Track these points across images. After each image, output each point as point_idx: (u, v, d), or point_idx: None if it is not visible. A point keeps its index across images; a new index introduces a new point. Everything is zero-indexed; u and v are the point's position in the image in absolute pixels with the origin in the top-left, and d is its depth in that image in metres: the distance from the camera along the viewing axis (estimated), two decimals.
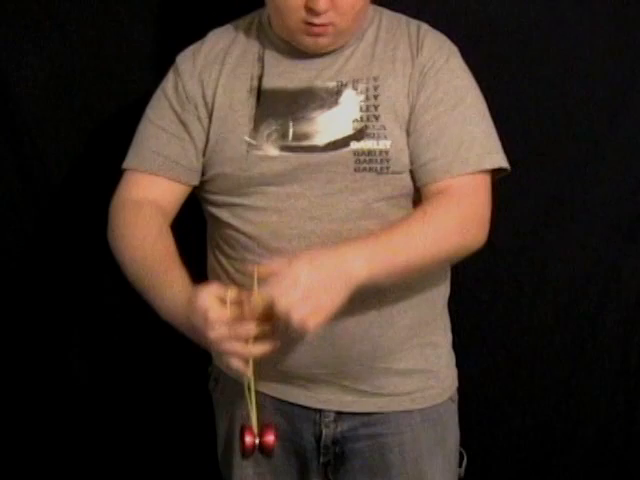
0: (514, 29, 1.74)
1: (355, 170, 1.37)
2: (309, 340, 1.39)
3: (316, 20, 1.34)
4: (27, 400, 2.01)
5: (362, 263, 1.23)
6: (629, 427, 1.89)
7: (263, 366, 1.43)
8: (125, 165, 1.49)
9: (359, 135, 1.37)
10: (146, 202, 1.45)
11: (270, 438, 1.30)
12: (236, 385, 1.53)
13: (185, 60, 1.49)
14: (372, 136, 1.37)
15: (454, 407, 1.53)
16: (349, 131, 1.38)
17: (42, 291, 1.97)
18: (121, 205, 1.47)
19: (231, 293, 1.23)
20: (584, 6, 1.72)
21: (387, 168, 1.37)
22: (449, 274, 1.54)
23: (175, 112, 1.46)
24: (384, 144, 1.37)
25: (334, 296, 1.20)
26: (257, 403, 1.30)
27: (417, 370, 1.47)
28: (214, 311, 1.23)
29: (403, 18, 1.48)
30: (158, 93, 1.50)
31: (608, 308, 1.85)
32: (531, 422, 1.92)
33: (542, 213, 1.82)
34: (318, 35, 1.37)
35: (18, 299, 1.98)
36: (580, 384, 1.89)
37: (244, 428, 1.30)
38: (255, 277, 1.20)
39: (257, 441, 1.29)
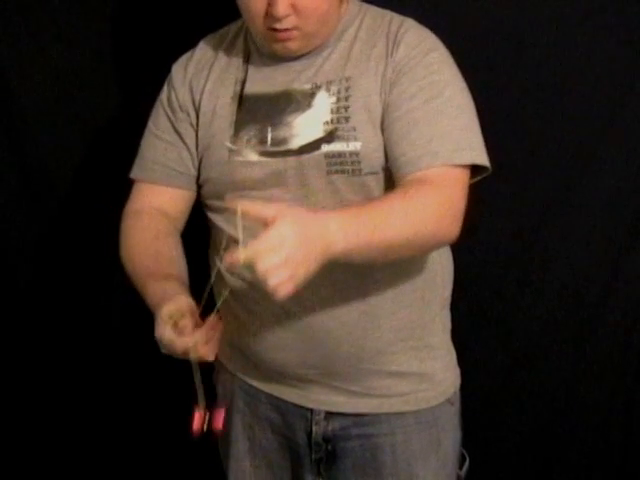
0: (514, 29, 1.74)
1: (327, 173, 1.36)
2: (295, 341, 1.42)
3: (278, 25, 1.33)
4: (35, 391, 2.03)
5: (341, 237, 1.19)
6: (629, 427, 1.89)
7: (258, 365, 1.50)
8: (131, 175, 1.54)
9: (329, 137, 1.36)
10: (147, 209, 1.50)
11: (219, 418, 1.31)
12: (233, 377, 1.58)
13: (178, 69, 1.51)
14: (342, 138, 1.35)
15: (453, 410, 1.52)
16: (320, 134, 1.37)
17: (44, 288, 1.98)
18: (126, 215, 1.52)
19: (180, 319, 1.27)
20: (584, 6, 1.72)
21: (359, 170, 1.35)
22: (447, 275, 1.53)
23: (170, 121, 1.50)
24: (354, 146, 1.35)
25: (310, 266, 1.16)
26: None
27: (410, 373, 1.47)
28: (164, 337, 1.28)
29: (388, 16, 1.44)
30: (157, 103, 1.53)
31: (608, 308, 1.84)
32: (531, 422, 1.92)
33: (542, 213, 1.82)
34: (284, 40, 1.36)
35: (18, 298, 1.99)
36: (580, 384, 1.89)
37: (194, 410, 1.31)
38: (239, 218, 1.17)
39: (205, 426, 1.30)
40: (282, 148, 1.38)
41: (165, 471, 2.07)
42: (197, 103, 1.47)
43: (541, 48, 1.75)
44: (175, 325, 1.27)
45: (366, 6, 1.47)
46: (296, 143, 1.38)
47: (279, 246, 1.12)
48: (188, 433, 1.96)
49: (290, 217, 1.15)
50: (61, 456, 2.07)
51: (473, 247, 1.79)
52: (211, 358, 1.31)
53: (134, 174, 1.54)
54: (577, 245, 1.83)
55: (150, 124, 1.53)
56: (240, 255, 1.11)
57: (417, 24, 1.43)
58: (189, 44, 1.54)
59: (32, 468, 2.07)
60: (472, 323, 1.84)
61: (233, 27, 1.52)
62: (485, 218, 1.82)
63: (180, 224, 1.53)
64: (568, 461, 1.93)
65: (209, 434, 1.32)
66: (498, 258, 1.85)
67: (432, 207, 1.28)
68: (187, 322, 1.27)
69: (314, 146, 1.36)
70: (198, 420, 1.29)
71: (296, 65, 1.41)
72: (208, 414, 1.31)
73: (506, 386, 1.91)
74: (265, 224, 1.14)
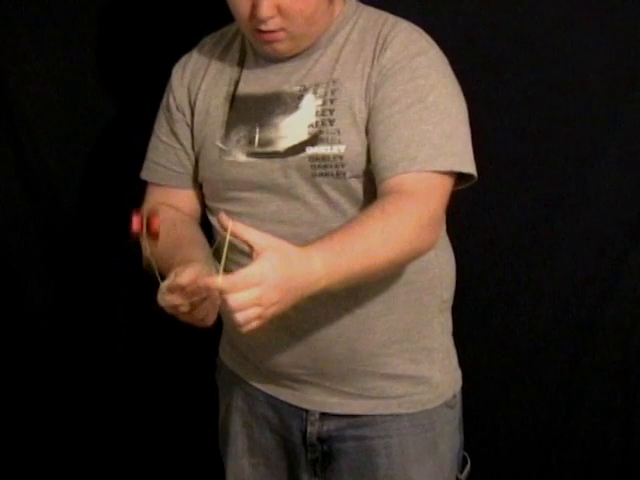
0: (514, 29, 1.74)
1: (312, 175, 1.36)
2: (287, 341, 1.43)
3: (263, 27, 1.33)
4: (39, 393, 2.04)
5: (325, 274, 1.17)
6: (629, 427, 1.89)
7: (256, 365, 1.50)
8: (140, 176, 1.56)
9: (314, 140, 1.35)
10: (160, 207, 1.50)
11: (156, 221, 1.26)
12: (233, 376, 1.58)
13: (177, 69, 1.53)
14: (326, 141, 1.34)
15: (451, 413, 1.51)
16: (305, 136, 1.36)
17: (45, 289, 1.99)
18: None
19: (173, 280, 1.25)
20: (584, 6, 1.72)
21: (343, 173, 1.35)
22: (447, 278, 1.52)
23: (168, 122, 1.51)
24: (338, 149, 1.34)
25: (284, 305, 1.15)
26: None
27: (406, 376, 1.46)
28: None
29: (383, 17, 1.42)
30: (160, 106, 1.54)
31: (608, 308, 1.84)
32: (531, 422, 1.92)
33: (542, 213, 1.82)
34: (271, 42, 1.36)
35: (19, 298, 1.99)
36: (580, 384, 1.88)
37: (132, 212, 1.25)
38: (227, 238, 1.14)
39: (144, 223, 1.25)
40: (268, 149, 1.38)
41: (165, 470, 2.07)
42: (193, 103, 1.48)
43: (541, 48, 1.74)
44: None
45: (363, 7, 1.46)
46: (282, 145, 1.37)
47: (257, 284, 1.10)
48: (187, 432, 2.00)
49: (277, 254, 1.12)
50: (63, 456, 2.07)
51: (473, 247, 1.79)
52: (209, 322, 1.29)
53: (142, 175, 1.56)
54: (577, 245, 1.82)
55: (154, 126, 1.55)
56: (217, 281, 1.09)
57: (410, 27, 1.40)
58: (192, 44, 1.55)
59: (33, 468, 2.07)
60: (472, 324, 1.84)
61: (233, 27, 1.52)
62: (485, 218, 1.82)
63: (195, 218, 1.55)
64: (568, 461, 1.93)
65: (149, 237, 1.27)
66: (498, 258, 1.84)
67: (411, 223, 1.26)
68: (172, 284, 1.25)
69: (299, 149, 1.36)
70: (136, 222, 1.24)
71: (287, 67, 1.41)
72: (145, 218, 1.25)
73: (506, 386, 1.91)
74: (251, 249, 1.13)
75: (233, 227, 1.13)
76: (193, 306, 1.25)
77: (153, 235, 1.26)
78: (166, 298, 1.24)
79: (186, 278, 1.22)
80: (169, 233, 1.43)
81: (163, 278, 1.27)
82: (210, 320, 1.29)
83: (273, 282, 1.11)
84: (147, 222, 1.25)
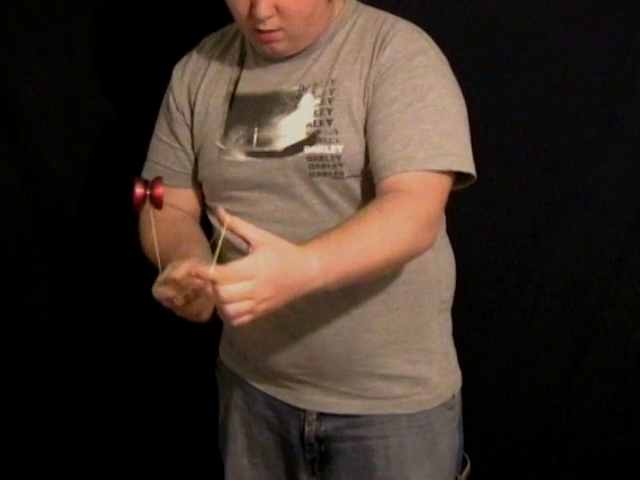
0: (514, 29, 1.74)
1: (310, 175, 1.36)
2: (284, 341, 1.43)
3: (262, 26, 1.33)
4: (41, 387, 2.04)
5: (322, 273, 1.15)
6: (629, 427, 1.89)
7: (255, 364, 1.50)
8: (141, 176, 1.55)
9: (312, 140, 1.35)
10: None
11: (159, 190, 1.24)
12: (232, 375, 1.58)
13: (178, 69, 1.53)
14: (324, 141, 1.34)
15: (450, 414, 1.50)
16: (303, 136, 1.36)
17: (45, 287, 1.99)
18: (141, 213, 1.51)
19: (169, 273, 1.24)
20: (584, 6, 1.72)
21: (341, 173, 1.35)
22: (446, 278, 1.51)
23: (168, 122, 1.52)
24: (336, 149, 1.34)
25: (277, 302, 1.14)
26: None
27: (403, 376, 1.46)
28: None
29: (382, 16, 1.42)
30: (161, 106, 1.55)
31: (608, 308, 1.84)
32: (531, 422, 1.92)
33: (542, 213, 1.82)
34: (269, 41, 1.36)
35: (19, 298, 1.99)
36: (580, 384, 1.88)
37: (135, 180, 1.24)
38: (223, 232, 1.14)
39: (148, 192, 1.23)
40: (267, 149, 1.39)
41: (165, 468, 2.07)
42: (193, 102, 1.48)
43: (541, 48, 1.74)
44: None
45: (362, 7, 1.45)
46: (281, 144, 1.38)
47: (249, 277, 1.09)
48: (187, 430, 2.01)
49: (273, 250, 1.11)
50: (63, 456, 2.07)
51: (473, 247, 1.79)
52: (204, 317, 1.28)
53: (143, 175, 1.56)
54: (577, 245, 1.82)
55: (155, 126, 1.55)
56: (209, 272, 1.08)
57: (410, 26, 1.40)
58: (192, 44, 1.55)
59: (33, 468, 2.08)
60: (472, 324, 1.84)
61: (234, 27, 1.52)
62: (485, 218, 1.82)
63: (195, 217, 1.55)
64: (568, 461, 1.93)
65: (153, 204, 1.24)
66: (498, 258, 1.84)
67: (409, 222, 1.25)
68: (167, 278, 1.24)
69: (297, 148, 1.36)
70: (139, 187, 1.22)
71: (286, 66, 1.41)
72: (149, 185, 1.23)
73: (506, 386, 1.91)
74: (248, 244, 1.12)
75: (231, 222, 1.13)
76: (188, 300, 1.24)
77: (157, 200, 1.23)
78: (159, 289, 1.24)
79: (181, 272, 1.22)
80: (169, 231, 1.44)
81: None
82: (205, 316, 1.28)
83: (267, 277, 1.10)
84: (151, 188, 1.23)
